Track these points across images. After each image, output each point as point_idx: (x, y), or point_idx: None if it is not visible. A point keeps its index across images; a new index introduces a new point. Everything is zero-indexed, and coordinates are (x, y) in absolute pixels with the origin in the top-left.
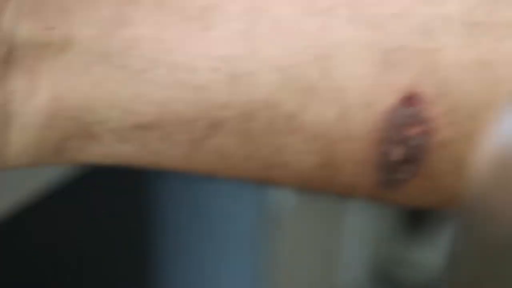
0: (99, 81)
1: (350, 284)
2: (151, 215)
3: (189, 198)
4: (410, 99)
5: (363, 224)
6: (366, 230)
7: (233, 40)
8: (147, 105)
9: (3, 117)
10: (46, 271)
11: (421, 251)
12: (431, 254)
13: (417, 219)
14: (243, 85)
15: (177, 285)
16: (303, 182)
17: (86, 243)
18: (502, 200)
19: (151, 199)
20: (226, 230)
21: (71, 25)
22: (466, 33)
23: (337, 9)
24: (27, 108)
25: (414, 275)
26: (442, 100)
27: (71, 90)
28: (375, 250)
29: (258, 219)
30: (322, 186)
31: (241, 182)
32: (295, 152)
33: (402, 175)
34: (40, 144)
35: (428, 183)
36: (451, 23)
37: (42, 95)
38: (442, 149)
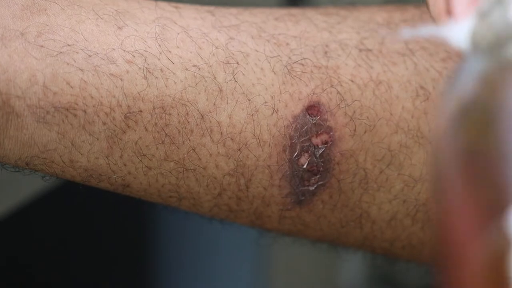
0: (17, 54)
1: (350, 286)
2: (149, 216)
3: None
4: (313, 108)
5: None
6: None
7: (144, 39)
8: (65, 86)
9: None
10: (42, 272)
11: None
12: None
13: None
14: (156, 80)
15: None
16: (219, 194)
17: (84, 244)
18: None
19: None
20: (226, 231)
21: None
22: (360, 57)
23: (242, 27)
24: None
25: (414, 277)
26: (342, 111)
27: None
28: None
29: None
30: (236, 201)
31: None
32: (210, 155)
33: (311, 187)
34: None
35: (336, 197)
36: (346, 47)
37: None
38: (345, 161)
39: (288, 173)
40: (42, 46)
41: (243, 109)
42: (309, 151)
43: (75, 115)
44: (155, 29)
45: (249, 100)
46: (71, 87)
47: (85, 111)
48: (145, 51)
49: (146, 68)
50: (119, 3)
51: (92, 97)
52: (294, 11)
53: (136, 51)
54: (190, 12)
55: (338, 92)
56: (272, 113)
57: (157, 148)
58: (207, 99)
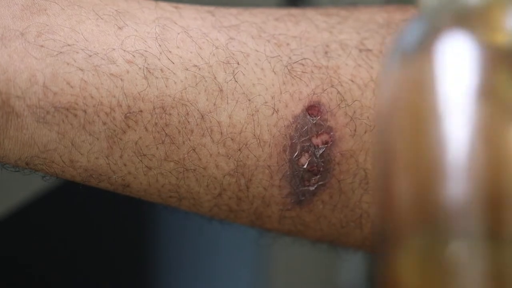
0: (17, 54)
1: (350, 286)
2: (149, 216)
3: None
4: (313, 108)
5: None
6: None
7: (145, 39)
8: (65, 86)
9: None
10: (42, 272)
11: None
12: None
13: None
14: (156, 80)
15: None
16: (219, 194)
17: (84, 244)
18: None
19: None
20: (226, 231)
21: None
22: (360, 57)
23: (242, 27)
24: None
25: None
26: (342, 111)
27: None
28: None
29: None
30: (236, 201)
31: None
32: (211, 155)
33: (311, 187)
34: None
35: (336, 198)
36: (347, 47)
37: None
38: (345, 161)
39: (288, 173)
40: (42, 46)
41: (243, 109)
42: (310, 151)
43: (75, 115)
44: (155, 29)
45: (249, 100)
46: (71, 87)
47: (85, 111)
48: (145, 51)
49: (146, 68)
50: (119, 3)
51: (92, 97)
52: (294, 11)
53: (136, 51)
54: (190, 12)
55: (338, 92)
56: (273, 113)
57: (157, 148)
58: (207, 99)
